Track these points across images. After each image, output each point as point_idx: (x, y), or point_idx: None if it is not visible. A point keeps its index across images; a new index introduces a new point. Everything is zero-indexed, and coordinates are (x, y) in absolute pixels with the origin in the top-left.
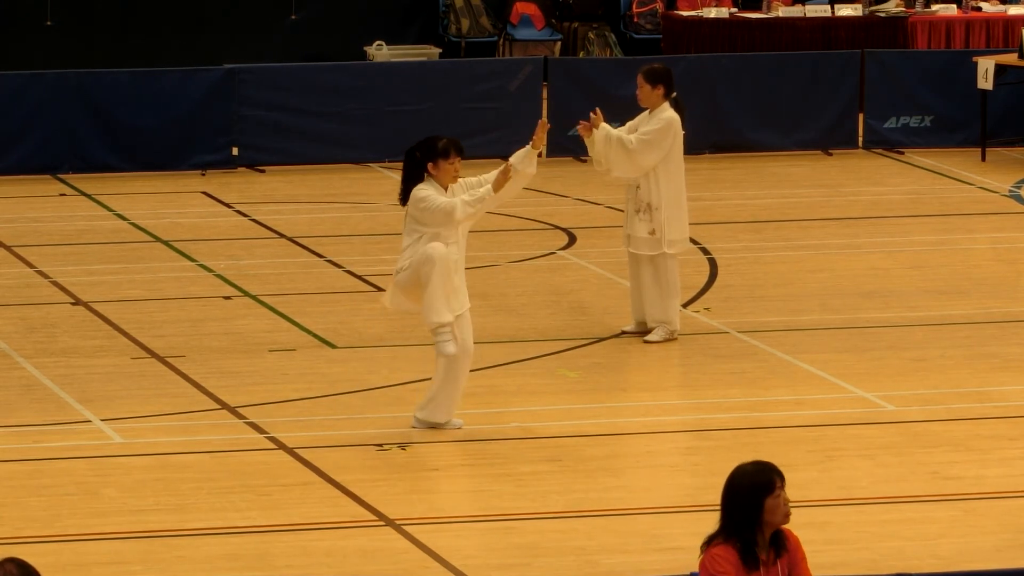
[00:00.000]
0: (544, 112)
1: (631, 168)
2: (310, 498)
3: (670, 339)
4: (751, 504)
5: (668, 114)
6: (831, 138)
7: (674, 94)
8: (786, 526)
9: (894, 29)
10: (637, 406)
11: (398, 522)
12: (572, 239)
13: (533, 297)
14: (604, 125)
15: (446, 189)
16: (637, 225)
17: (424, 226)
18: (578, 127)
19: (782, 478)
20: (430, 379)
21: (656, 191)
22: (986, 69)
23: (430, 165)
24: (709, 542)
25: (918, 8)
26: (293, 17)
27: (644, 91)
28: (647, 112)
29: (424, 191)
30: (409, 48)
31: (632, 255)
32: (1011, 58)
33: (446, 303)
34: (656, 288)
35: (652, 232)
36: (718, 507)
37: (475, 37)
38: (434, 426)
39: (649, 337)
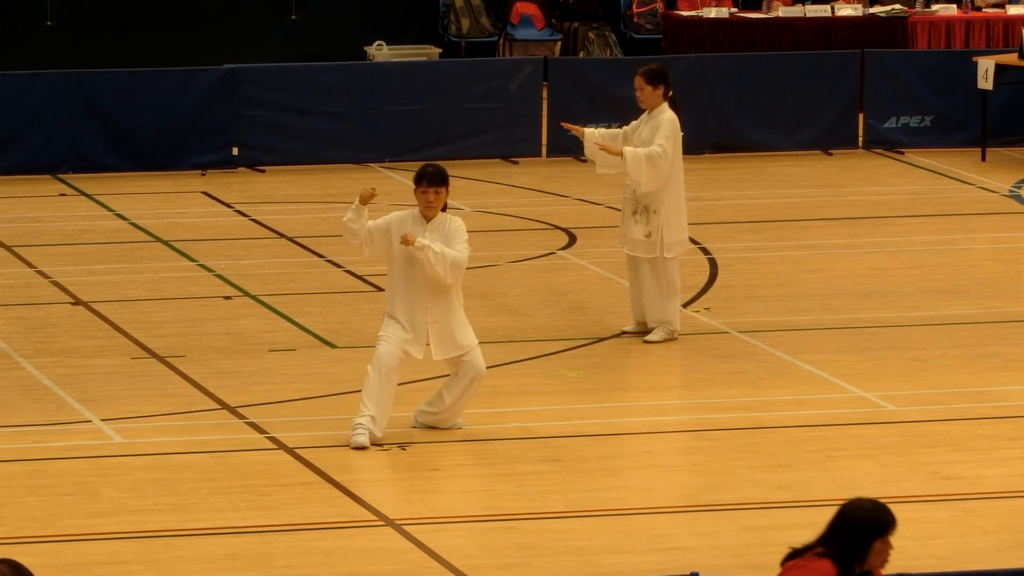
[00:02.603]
0: (544, 112)
1: (659, 178)
2: (310, 498)
3: (670, 339)
4: (862, 539)
5: (669, 114)
6: (831, 138)
7: (671, 93)
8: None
9: (894, 29)
10: (637, 406)
11: (398, 522)
12: (572, 239)
13: (533, 297)
14: (627, 148)
15: (427, 221)
16: (633, 227)
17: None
18: (572, 130)
19: (895, 525)
20: (429, 379)
21: (655, 193)
22: (986, 69)
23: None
24: (804, 551)
25: (918, 8)
26: (293, 17)
27: (645, 92)
28: (646, 113)
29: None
30: (409, 48)
31: (630, 255)
32: (1011, 58)
33: (375, 399)
34: (656, 288)
35: (648, 235)
36: (718, 507)
37: (475, 37)
38: (435, 428)
39: (649, 337)
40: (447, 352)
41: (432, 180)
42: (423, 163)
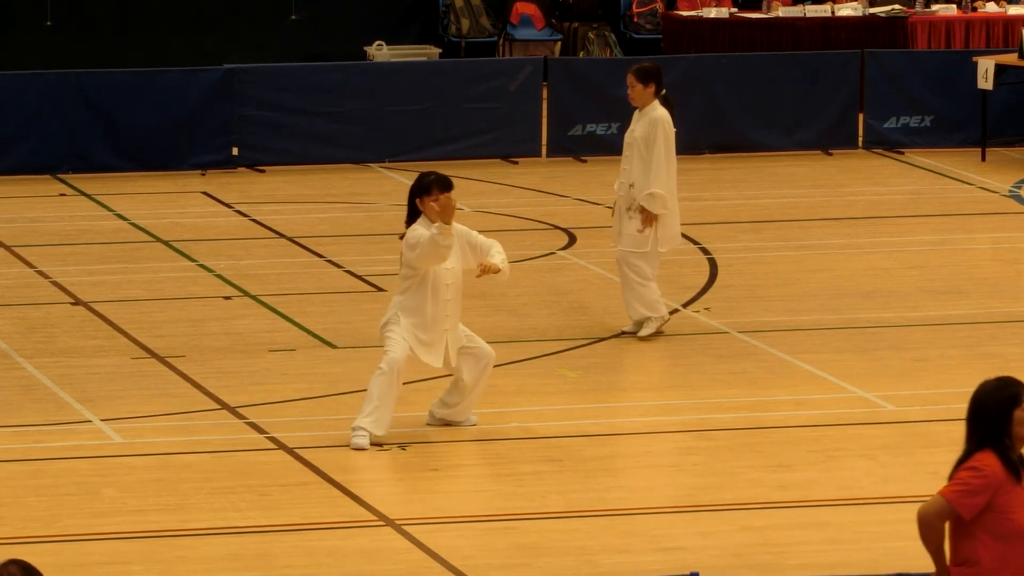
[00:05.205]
0: (544, 112)
1: (662, 177)
2: (310, 498)
3: (661, 325)
4: (1001, 416)
5: (657, 113)
6: (831, 138)
7: (663, 91)
8: None
9: (894, 29)
10: (637, 406)
11: (398, 522)
12: (572, 239)
13: (533, 297)
14: (652, 204)
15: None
16: (627, 223)
17: (415, 269)
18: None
19: None
20: (430, 379)
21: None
22: (986, 69)
23: (417, 201)
24: (961, 462)
25: (918, 8)
26: (293, 17)
27: (636, 90)
28: (637, 111)
29: (414, 231)
30: (409, 48)
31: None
32: (1011, 58)
33: (388, 402)
34: (631, 283)
35: (642, 230)
36: (718, 507)
37: (475, 37)
38: (450, 424)
39: (641, 333)
40: (456, 352)
41: (445, 185)
42: (423, 173)
